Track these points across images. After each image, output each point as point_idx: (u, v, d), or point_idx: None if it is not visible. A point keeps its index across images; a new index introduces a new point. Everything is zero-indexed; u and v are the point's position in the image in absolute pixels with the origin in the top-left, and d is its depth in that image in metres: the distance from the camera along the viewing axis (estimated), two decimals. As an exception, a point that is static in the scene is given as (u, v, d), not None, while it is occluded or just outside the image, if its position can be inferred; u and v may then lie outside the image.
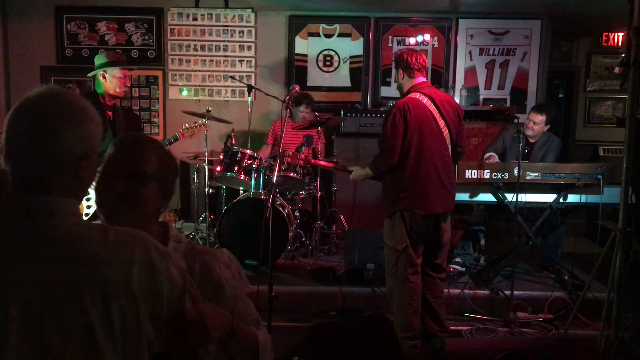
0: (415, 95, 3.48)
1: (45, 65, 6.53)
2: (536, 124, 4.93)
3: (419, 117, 3.40)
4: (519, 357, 2.72)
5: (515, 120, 5.83)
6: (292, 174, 4.83)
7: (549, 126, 5.03)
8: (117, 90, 3.72)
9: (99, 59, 3.75)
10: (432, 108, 3.45)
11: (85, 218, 3.58)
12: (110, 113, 3.76)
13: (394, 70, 3.71)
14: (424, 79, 3.59)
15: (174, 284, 1.25)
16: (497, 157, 5.02)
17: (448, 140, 3.53)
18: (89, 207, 3.60)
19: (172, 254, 1.31)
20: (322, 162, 4.47)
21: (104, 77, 3.69)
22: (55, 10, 6.50)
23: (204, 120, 4.01)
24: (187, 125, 3.90)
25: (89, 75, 3.80)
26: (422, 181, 3.43)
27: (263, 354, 1.55)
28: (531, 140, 5.04)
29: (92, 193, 3.50)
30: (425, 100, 3.46)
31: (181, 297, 1.26)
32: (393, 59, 3.70)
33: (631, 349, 3.35)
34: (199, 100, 6.60)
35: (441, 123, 3.47)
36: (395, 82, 3.78)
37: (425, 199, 3.44)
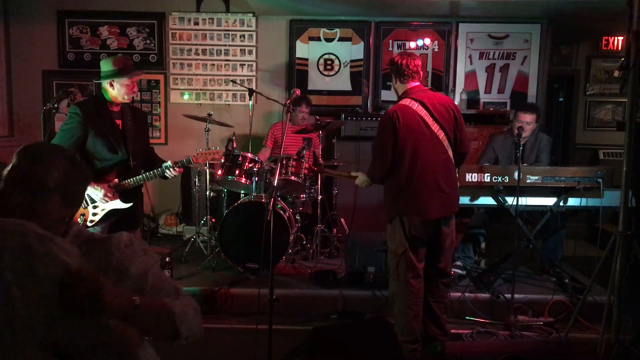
0: (405, 101, 3.49)
1: (47, 69, 6.55)
2: (529, 123, 4.93)
3: (409, 124, 3.41)
4: (520, 360, 2.72)
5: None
6: (293, 178, 4.84)
7: (537, 124, 5.04)
8: (125, 97, 3.63)
9: (105, 66, 3.62)
10: (423, 113, 3.45)
11: (89, 224, 3.58)
12: (119, 122, 3.67)
13: (391, 75, 3.70)
14: (417, 83, 3.59)
15: (58, 266, 1.26)
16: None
17: (446, 143, 3.51)
18: (95, 214, 3.60)
19: (58, 239, 1.33)
20: (327, 171, 4.50)
21: (112, 86, 3.59)
22: (57, 15, 6.52)
23: (217, 147, 4.03)
24: (201, 150, 3.87)
25: (96, 81, 3.72)
26: (416, 187, 3.44)
27: (182, 323, 1.54)
28: (517, 140, 5.04)
29: (97, 198, 3.50)
30: (416, 106, 3.45)
31: (73, 278, 1.25)
32: (390, 62, 3.67)
33: (632, 352, 3.36)
34: (200, 104, 6.62)
35: (435, 127, 3.46)
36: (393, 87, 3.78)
37: (421, 205, 3.45)
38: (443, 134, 3.50)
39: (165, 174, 3.71)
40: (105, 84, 3.60)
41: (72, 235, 1.56)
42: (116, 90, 3.59)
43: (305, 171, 4.82)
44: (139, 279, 1.54)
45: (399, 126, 3.39)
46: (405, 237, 3.47)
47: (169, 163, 3.69)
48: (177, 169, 3.71)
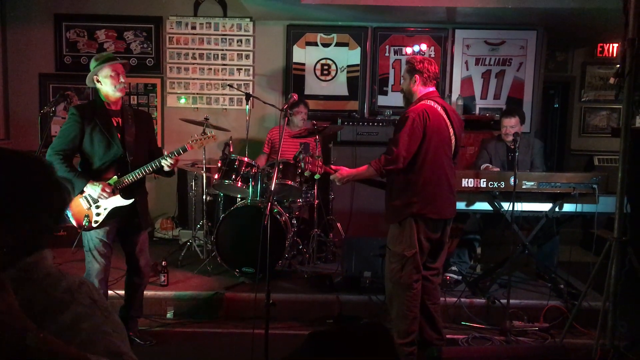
0: (430, 103, 3.51)
1: (44, 72, 6.56)
2: (513, 127, 5.00)
3: (436, 125, 3.45)
4: (515, 365, 2.73)
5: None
6: (289, 182, 4.84)
7: (522, 125, 5.12)
8: (115, 88, 3.58)
9: (91, 65, 3.64)
10: (445, 117, 3.52)
11: (94, 225, 3.57)
12: (118, 119, 3.66)
13: (405, 74, 3.65)
14: (434, 89, 3.63)
15: None
16: (492, 166, 5.04)
17: (453, 149, 3.60)
18: (98, 214, 3.59)
19: None
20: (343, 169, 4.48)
21: (99, 82, 3.59)
22: (54, 18, 6.53)
23: (212, 132, 3.92)
24: (195, 136, 3.79)
25: (88, 84, 3.70)
26: (435, 187, 3.47)
27: None
28: (512, 146, 5.09)
29: (96, 194, 3.48)
30: (439, 108, 3.51)
31: None
32: (409, 63, 3.64)
33: (627, 358, 3.37)
34: (197, 108, 6.62)
35: (450, 131, 3.55)
36: (402, 87, 3.75)
37: (437, 204, 3.48)
38: (454, 140, 3.58)
39: (162, 163, 3.63)
40: (95, 83, 3.61)
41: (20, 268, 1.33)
42: (104, 85, 3.58)
43: (320, 170, 4.74)
44: (68, 329, 1.28)
45: (429, 124, 3.40)
46: (417, 240, 3.47)
47: (165, 154, 3.67)
48: (172, 158, 3.63)
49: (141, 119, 3.83)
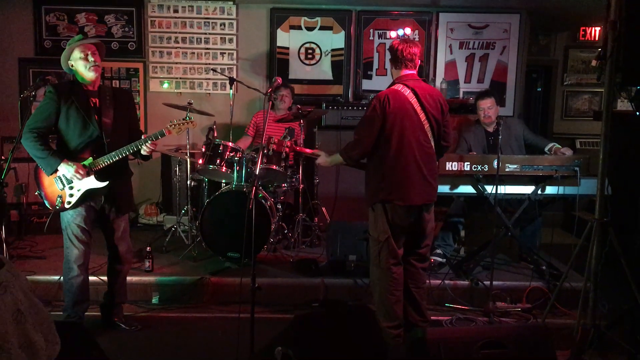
0: (398, 87, 3.50)
1: (24, 57, 6.44)
2: (490, 108, 5.00)
3: (399, 109, 3.43)
4: (498, 346, 2.77)
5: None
6: (274, 167, 4.83)
7: (498, 107, 5.13)
8: (88, 69, 3.54)
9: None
10: (414, 100, 3.47)
11: (67, 206, 3.53)
12: (95, 100, 3.62)
13: (389, 61, 3.73)
14: (412, 71, 3.60)
15: None
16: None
17: (429, 133, 3.54)
18: (71, 195, 3.55)
19: None
20: (308, 150, 4.47)
21: (73, 66, 3.59)
22: (33, 1, 6.40)
23: (191, 118, 3.86)
24: (174, 121, 3.74)
25: (64, 69, 3.64)
26: (401, 172, 3.46)
27: None
28: (490, 130, 5.08)
29: (70, 174, 3.44)
30: (407, 92, 3.47)
31: None
32: (389, 48, 3.68)
33: (607, 337, 3.43)
34: (180, 92, 6.56)
35: (422, 116, 3.49)
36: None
37: (405, 190, 3.47)
38: (428, 124, 3.53)
39: (139, 147, 3.58)
40: (71, 67, 3.60)
41: None
42: (78, 66, 3.56)
43: (287, 149, 4.75)
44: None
45: (389, 109, 3.40)
46: (388, 224, 3.50)
47: (143, 138, 3.62)
48: (149, 143, 3.58)
49: (121, 100, 3.76)
